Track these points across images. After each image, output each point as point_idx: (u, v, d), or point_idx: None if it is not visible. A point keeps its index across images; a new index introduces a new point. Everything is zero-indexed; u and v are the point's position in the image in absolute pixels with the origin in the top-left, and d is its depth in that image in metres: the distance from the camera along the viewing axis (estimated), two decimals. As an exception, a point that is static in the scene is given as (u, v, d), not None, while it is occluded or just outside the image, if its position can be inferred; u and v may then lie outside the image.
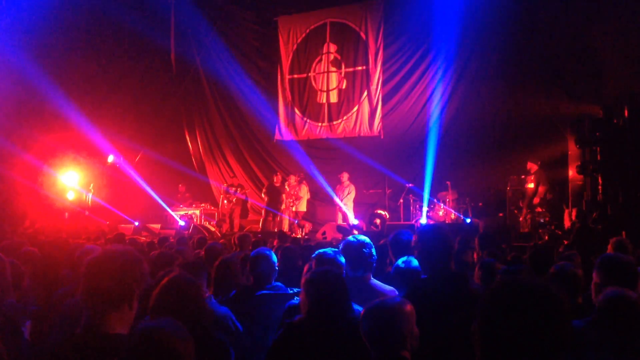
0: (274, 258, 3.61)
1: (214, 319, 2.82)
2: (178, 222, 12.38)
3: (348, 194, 11.94)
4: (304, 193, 12.54)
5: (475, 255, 4.91)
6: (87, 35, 12.89)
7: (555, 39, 10.60)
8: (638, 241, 5.96)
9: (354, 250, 3.13)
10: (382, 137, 12.84)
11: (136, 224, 12.03)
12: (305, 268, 3.56)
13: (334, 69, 13.59)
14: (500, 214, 10.60)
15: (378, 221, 10.87)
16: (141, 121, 13.97)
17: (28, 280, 3.52)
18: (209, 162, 15.20)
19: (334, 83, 13.58)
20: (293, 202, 12.40)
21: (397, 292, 2.93)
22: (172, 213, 12.73)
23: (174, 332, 1.58)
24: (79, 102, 12.32)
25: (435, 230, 2.78)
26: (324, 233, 11.19)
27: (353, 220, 11.48)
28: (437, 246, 2.62)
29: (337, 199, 11.87)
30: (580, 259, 4.23)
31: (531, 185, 10.06)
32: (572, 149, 10.01)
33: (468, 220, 10.24)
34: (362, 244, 3.16)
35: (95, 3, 12.26)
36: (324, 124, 13.57)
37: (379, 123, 12.92)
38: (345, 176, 12.02)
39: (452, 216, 10.70)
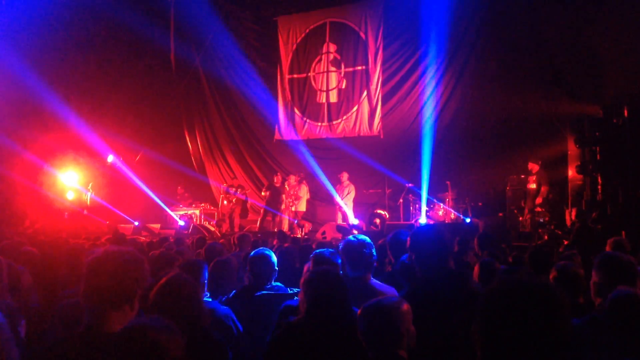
0: (274, 258, 3.61)
1: (213, 318, 2.82)
2: (178, 222, 12.39)
3: (348, 193, 11.94)
4: (304, 193, 12.55)
5: (474, 255, 4.92)
6: (87, 35, 12.87)
7: (555, 39, 10.60)
8: (638, 241, 5.96)
9: (354, 250, 3.13)
10: (381, 136, 12.85)
11: (136, 223, 12.03)
12: (305, 268, 3.57)
13: (333, 68, 13.59)
14: (500, 214, 10.60)
15: (378, 221, 10.87)
16: (141, 121, 13.96)
17: (29, 280, 3.53)
18: (208, 161, 15.21)
19: (333, 83, 13.58)
20: (293, 202, 12.40)
21: (396, 292, 2.93)
22: (172, 213, 12.73)
23: (162, 330, 1.57)
24: (79, 102, 12.33)
25: (430, 231, 2.78)
26: (323, 233, 11.19)
27: (353, 220, 11.48)
28: (433, 246, 2.63)
29: (337, 198, 11.86)
30: (580, 259, 4.23)
31: (533, 186, 10.07)
32: (572, 148, 10.02)
33: (468, 220, 10.24)
34: (362, 243, 3.16)
35: (95, 3, 12.26)
36: (323, 124, 13.57)
37: (379, 123, 12.92)
38: (345, 176, 12.02)
39: (452, 216, 10.71)
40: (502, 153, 11.08)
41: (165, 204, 12.79)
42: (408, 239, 2.75)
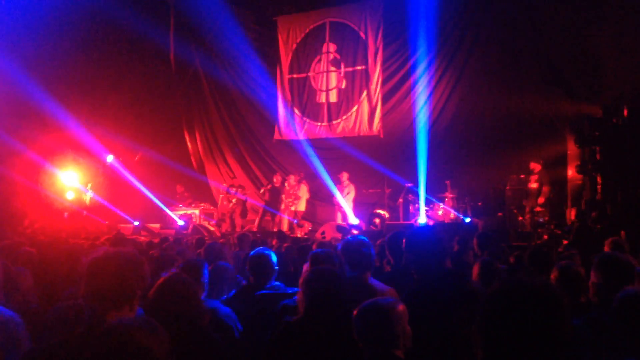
0: (274, 258, 3.62)
1: (214, 318, 2.82)
2: (177, 222, 12.39)
3: (347, 193, 11.94)
4: (303, 193, 12.55)
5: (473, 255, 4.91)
6: (87, 34, 12.87)
7: (555, 38, 10.61)
8: (637, 240, 5.97)
9: (353, 249, 3.13)
10: (381, 136, 12.85)
11: (136, 223, 12.04)
12: (305, 267, 3.57)
13: (333, 68, 13.59)
14: (500, 214, 10.61)
15: (377, 221, 10.87)
16: (140, 121, 13.96)
17: (29, 280, 3.53)
18: (208, 161, 15.21)
19: (333, 83, 13.58)
20: (292, 201, 12.41)
21: (395, 292, 2.94)
22: (171, 213, 12.72)
23: (145, 329, 1.56)
24: (79, 101, 12.32)
25: (425, 232, 2.79)
26: (323, 233, 11.19)
27: (353, 220, 11.49)
28: (429, 247, 2.63)
29: (338, 196, 11.85)
30: (580, 259, 4.24)
31: (534, 185, 10.08)
32: (572, 148, 10.02)
33: (467, 220, 10.25)
34: (361, 243, 3.17)
35: (94, 3, 12.25)
36: (323, 124, 13.57)
37: (379, 123, 12.92)
38: (345, 176, 12.01)
39: (452, 216, 10.71)
40: (501, 153, 11.09)
41: (164, 204, 12.79)
42: (404, 240, 2.76)
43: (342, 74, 13.47)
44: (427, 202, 10.96)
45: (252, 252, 3.70)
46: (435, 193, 11.06)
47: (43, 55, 11.57)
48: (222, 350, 2.35)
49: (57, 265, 4.22)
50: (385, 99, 12.94)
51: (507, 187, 10.59)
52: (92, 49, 13.18)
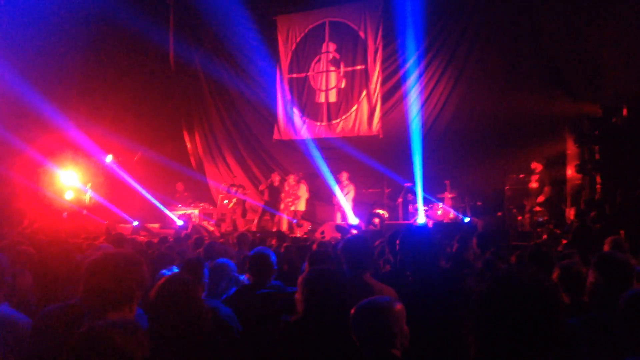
0: (274, 257, 3.62)
1: (215, 318, 2.82)
2: (176, 222, 12.38)
3: (347, 193, 11.94)
4: (303, 192, 12.55)
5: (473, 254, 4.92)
6: (86, 35, 12.86)
7: (555, 38, 10.61)
8: (637, 240, 5.97)
9: (352, 249, 3.13)
10: (381, 136, 12.85)
11: (135, 223, 12.03)
12: (306, 266, 3.58)
13: (333, 68, 13.59)
14: (499, 213, 10.61)
15: (377, 220, 10.87)
16: (140, 121, 13.96)
17: (29, 280, 3.52)
18: (207, 161, 15.21)
19: (333, 82, 13.58)
20: (292, 201, 12.41)
21: (394, 292, 2.94)
22: (169, 213, 12.70)
23: (125, 331, 1.56)
24: (78, 101, 12.32)
25: (418, 232, 2.79)
26: (322, 232, 11.19)
27: (352, 220, 11.49)
28: (422, 247, 2.64)
29: (339, 194, 11.84)
30: (579, 258, 4.24)
31: (535, 185, 10.09)
32: (571, 148, 10.02)
33: (467, 220, 10.25)
34: (361, 243, 3.17)
35: (94, 3, 12.24)
36: (323, 124, 13.57)
37: (378, 122, 12.92)
38: (344, 176, 12.02)
39: (451, 215, 10.71)
40: (501, 152, 11.09)
41: (164, 204, 12.78)
42: (397, 241, 2.77)
43: (341, 74, 13.47)
44: (427, 202, 10.97)
45: (252, 252, 3.71)
46: (434, 193, 11.07)
47: (42, 55, 11.57)
48: (222, 350, 2.35)
49: (57, 265, 4.22)
50: (385, 98, 12.95)
51: (507, 187, 10.60)
52: (91, 49, 13.19)
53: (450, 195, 10.84)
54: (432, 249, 2.66)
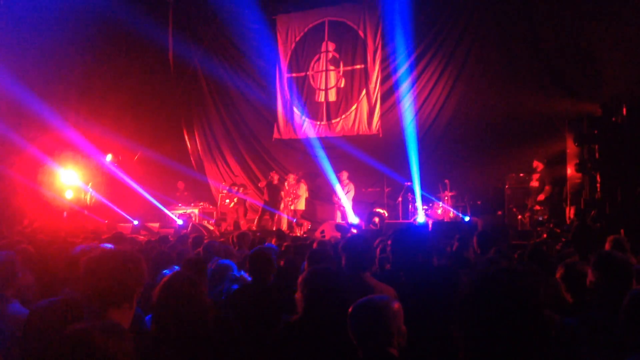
0: (274, 256, 3.63)
1: (216, 318, 2.82)
2: (176, 221, 12.38)
3: (347, 192, 11.95)
4: (303, 192, 12.56)
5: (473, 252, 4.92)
6: (86, 34, 12.85)
7: (554, 37, 10.60)
8: (637, 239, 5.97)
9: (352, 248, 3.13)
10: (380, 135, 12.85)
11: (135, 222, 12.03)
12: (306, 265, 3.58)
13: (332, 67, 13.58)
14: (499, 212, 10.61)
15: (377, 220, 10.87)
16: (139, 120, 13.95)
17: (30, 279, 3.53)
18: (207, 161, 15.21)
19: (332, 82, 13.58)
20: (292, 200, 12.41)
21: (394, 291, 2.94)
22: (169, 213, 12.71)
23: (108, 333, 1.55)
24: (78, 100, 12.31)
25: (408, 232, 2.80)
26: (322, 231, 11.19)
27: (352, 219, 11.49)
28: (413, 246, 2.64)
29: (339, 193, 11.84)
30: (579, 257, 4.23)
31: (535, 184, 10.09)
32: (571, 147, 10.00)
33: (467, 219, 10.26)
34: (360, 242, 3.17)
35: (94, 3, 12.23)
36: (322, 123, 13.57)
37: (378, 121, 12.93)
38: (344, 175, 12.02)
39: (451, 214, 10.71)
40: (501, 151, 11.09)
41: (163, 203, 12.78)
42: (389, 242, 2.77)
43: (341, 73, 13.46)
44: (426, 201, 10.97)
45: (253, 251, 3.72)
46: (434, 192, 11.07)
47: (42, 55, 11.56)
48: (224, 349, 2.35)
49: (56, 264, 4.22)
50: (385, 97, 12.94)
51: (507, 186, 10.61)
52: (91, 49, 13.17)
53: (450, 194, 10.85)
54: (423, 249, 2.66)
